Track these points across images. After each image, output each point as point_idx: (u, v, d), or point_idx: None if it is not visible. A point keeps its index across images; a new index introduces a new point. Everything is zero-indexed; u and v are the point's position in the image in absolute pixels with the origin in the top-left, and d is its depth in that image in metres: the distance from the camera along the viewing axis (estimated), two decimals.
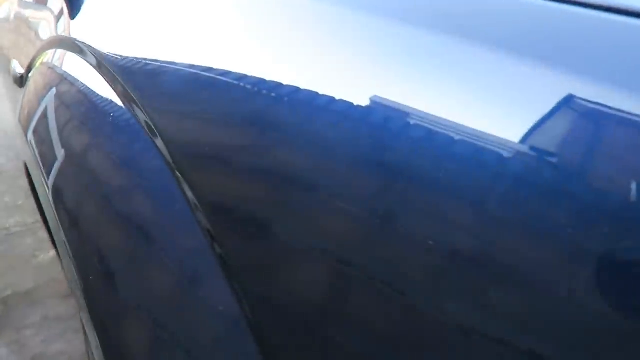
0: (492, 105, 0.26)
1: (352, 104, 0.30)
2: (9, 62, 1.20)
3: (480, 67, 0.27)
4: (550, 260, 0.23)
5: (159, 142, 0.41)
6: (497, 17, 0.29)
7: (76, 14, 0.69)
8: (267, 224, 0.34)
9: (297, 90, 0.33)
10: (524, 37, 0.27)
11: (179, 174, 0.40)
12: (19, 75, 0.98)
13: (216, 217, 0.37)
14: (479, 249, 0.25)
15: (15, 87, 1.05)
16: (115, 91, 0.49)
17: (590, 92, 0.23)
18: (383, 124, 0.29)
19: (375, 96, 0.30)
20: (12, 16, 1.30)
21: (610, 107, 0.23)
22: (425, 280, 0.27)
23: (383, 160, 0.28)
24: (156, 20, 0.49)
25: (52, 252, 1.72)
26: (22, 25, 1.11)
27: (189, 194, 0.39)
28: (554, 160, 0.23)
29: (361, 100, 0.30)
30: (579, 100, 0.24)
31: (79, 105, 0.55)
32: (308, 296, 0.33)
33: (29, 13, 1.06)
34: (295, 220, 0.32)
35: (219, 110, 0.37)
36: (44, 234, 1.83)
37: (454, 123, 0.26)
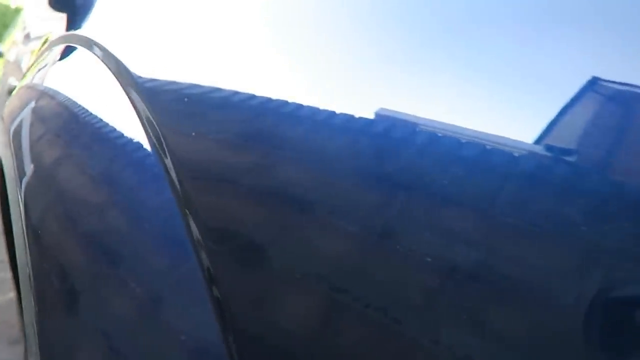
0: (499, 106, 0.25)
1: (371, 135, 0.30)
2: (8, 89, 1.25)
3: (486, 66, 0.26)
4: (563, 269, 0.22)
5: (169, 163, 0.40)
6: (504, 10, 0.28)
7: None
8: (270, 269, 0.33)
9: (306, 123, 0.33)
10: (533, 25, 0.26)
11: (184, 204, 0.38)
12: (13, 88, 1.03)
13: (218, 255, 0.36)
14: (489, 260, 0.24)
15: (7, 98, 1.10)
16: (128, 101, 0.47)
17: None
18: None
19: (386, 108, 0.29)
20: (16, 55, 1.42)
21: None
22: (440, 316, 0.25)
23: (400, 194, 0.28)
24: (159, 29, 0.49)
25: (10, 294, 1.64)
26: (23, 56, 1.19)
27: (193, 228, 0.37)
28: (567, 158, 0.23)
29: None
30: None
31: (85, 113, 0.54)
32: (309, 349, 0.31)
33: (29, 46, 1.14)
34: (304, 267, 0.31)
35: (232, 132, 0.37)
36: (5, 274, 1.74)
37: (460, 127, 0.26)
